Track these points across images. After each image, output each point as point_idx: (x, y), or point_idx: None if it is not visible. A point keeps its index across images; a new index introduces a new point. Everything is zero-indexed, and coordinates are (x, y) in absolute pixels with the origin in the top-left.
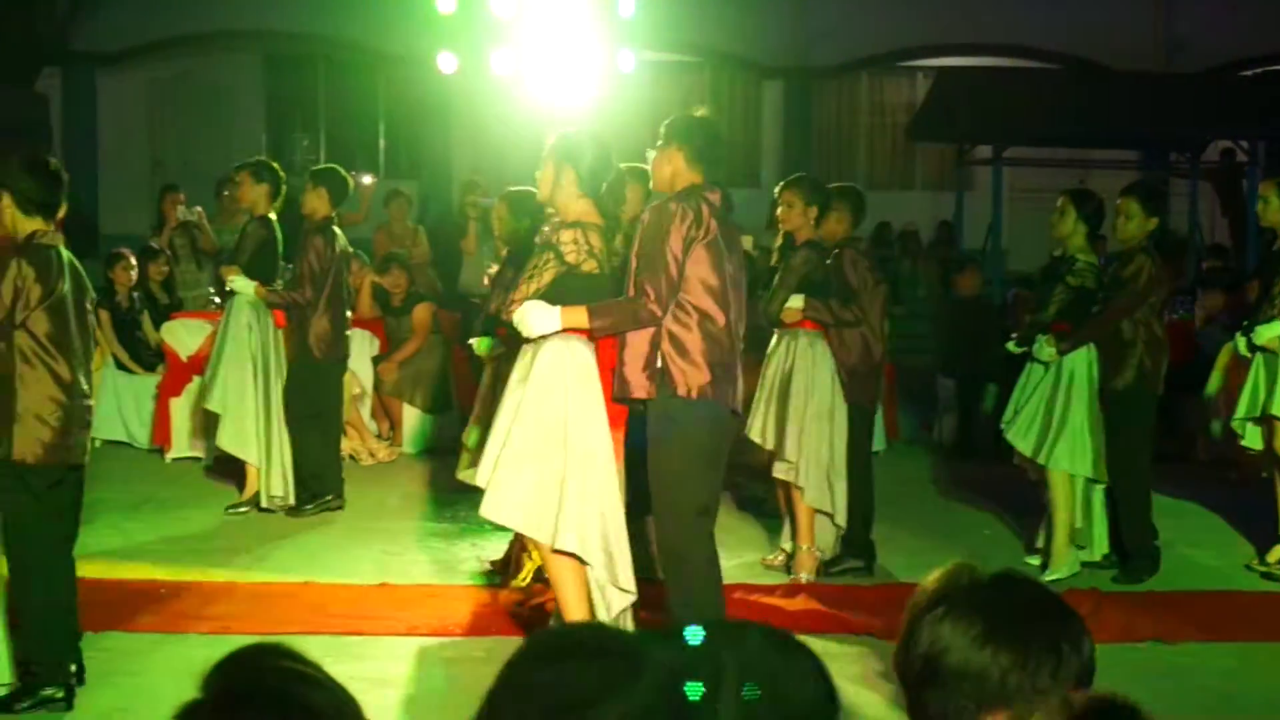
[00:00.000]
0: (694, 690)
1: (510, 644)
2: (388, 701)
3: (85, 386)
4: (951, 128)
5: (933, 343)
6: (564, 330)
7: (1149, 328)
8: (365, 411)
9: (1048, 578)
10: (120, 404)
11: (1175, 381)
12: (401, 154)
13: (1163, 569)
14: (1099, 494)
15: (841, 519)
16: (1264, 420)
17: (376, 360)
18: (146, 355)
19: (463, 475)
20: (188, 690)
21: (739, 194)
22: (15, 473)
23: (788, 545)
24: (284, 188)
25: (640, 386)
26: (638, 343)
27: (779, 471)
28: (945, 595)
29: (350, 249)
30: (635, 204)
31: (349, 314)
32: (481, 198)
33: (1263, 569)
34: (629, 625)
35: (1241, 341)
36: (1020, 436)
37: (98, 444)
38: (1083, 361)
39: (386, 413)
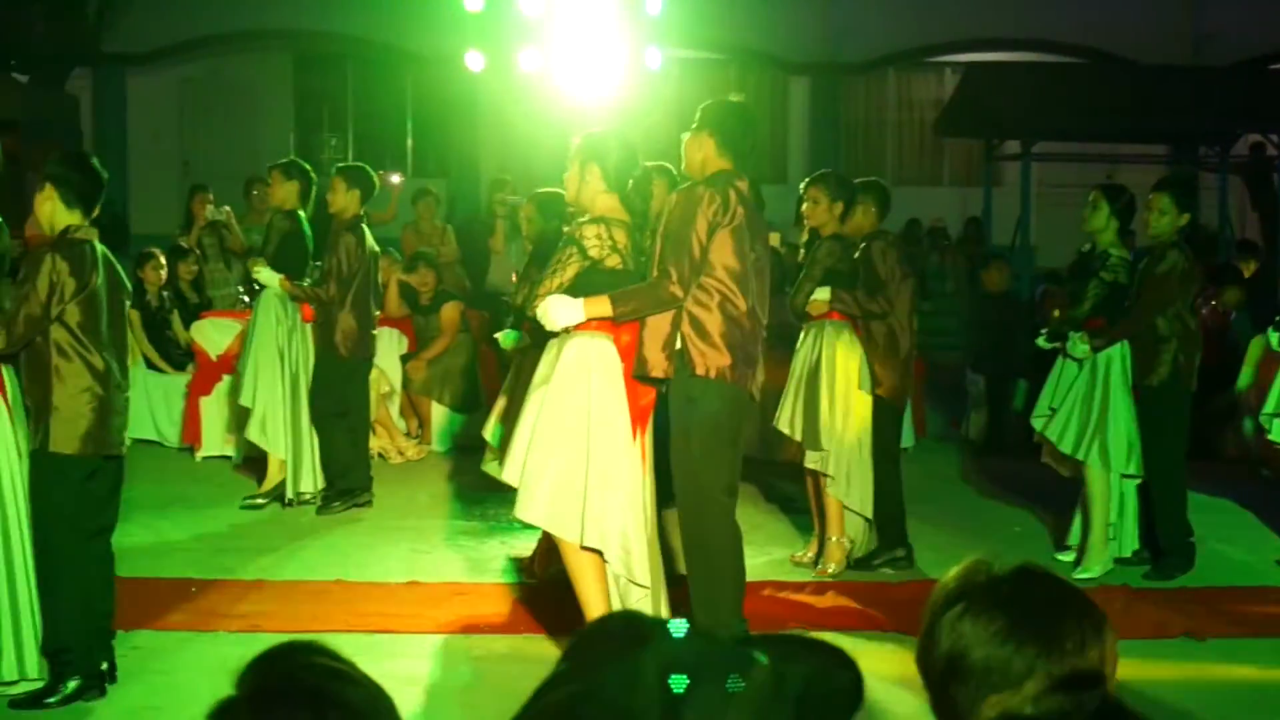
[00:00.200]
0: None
1: (539, 642)
2: (417, 699)
3: (120, 378)
4: (979, 123)
5: (961, 339)
6: (588, 325)
7: (1183, 323)
8: (394, 409)
9: (1081, 575)
10: (150, 403)
11: (1200, 376)
12: (429, 153)
13: (1195, 565)
14: (1131, 489)
15: (866, 510)
16: None
17: (405, 358)
18: (176, 354)
19: (487, 468)
20: (219, 688)
21: (766, 190)
22: (52, 463)
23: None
24: (314, 188)
25: (659, 365)
26: (658, 322)
27: (811, 461)
28: (964, 592)
29: (378, 249)
30: (660, 201)
31: (376, 313)
32: (509, 196)
33: None
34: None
35: (1274, 336)
36: (1060, 435)
37: (128, 443)
38: (1117, 358)
39: (415, 411)
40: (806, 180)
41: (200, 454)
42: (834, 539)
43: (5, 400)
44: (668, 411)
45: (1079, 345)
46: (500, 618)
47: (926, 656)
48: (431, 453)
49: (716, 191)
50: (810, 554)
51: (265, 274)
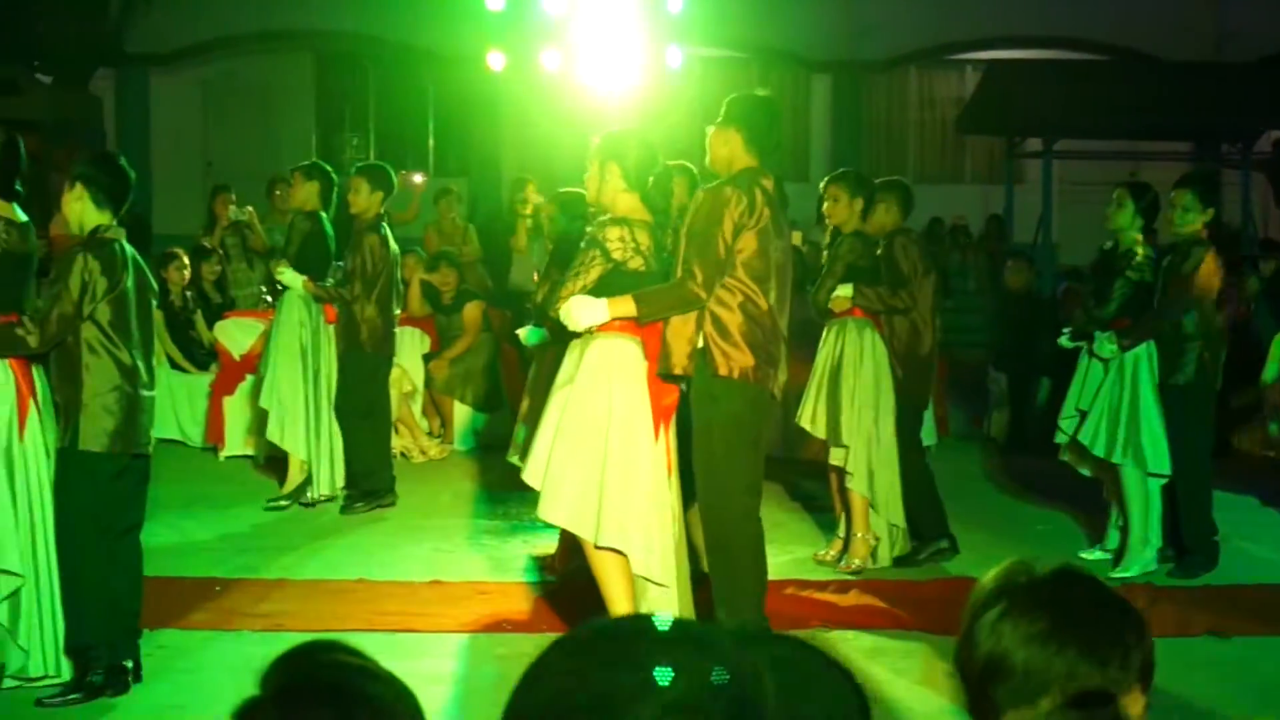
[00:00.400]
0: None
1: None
2: (439, 698)
3: (148, 376)
4: (1001, 121)
5: (983, 337)
6: (612, 326)
7: (1208, 320)
8: (416, 409)
9: (1117, 574)
10: (174, 403)
11: (1224, 372)
12: (451, 152)
13: (1219, 563)
14: (1156, 487)
15: (890, 509)
16: None
17: (427, 358)
18: (199, 354)
19: (513, 459)
20: (243, 686)
21: (788, 188)
22: (81, 461)
23: (844, 534)
24: (336, 189)
25: (680, 363)
26: (681, 321)
27: (835, 458)
28: (1004, 593)
29: (397, 248)
30: (681, 199)
31: (398, 312)
32: (531, 195)
33: None
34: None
35: None
36: (1091, 438)
37: (153, 442)
38: (1144, 357)
39: (437, 410)
40: (826, 179)
41: (223, 453)
42: (859, 535)
43: (35, 399)
44: (690, 410)
45: (1106, 345)
46: (523, 616)
47: (965, 657)
48: (454, 452)
49: (743, 192)
50: (833, 552)
51: (288, 275)
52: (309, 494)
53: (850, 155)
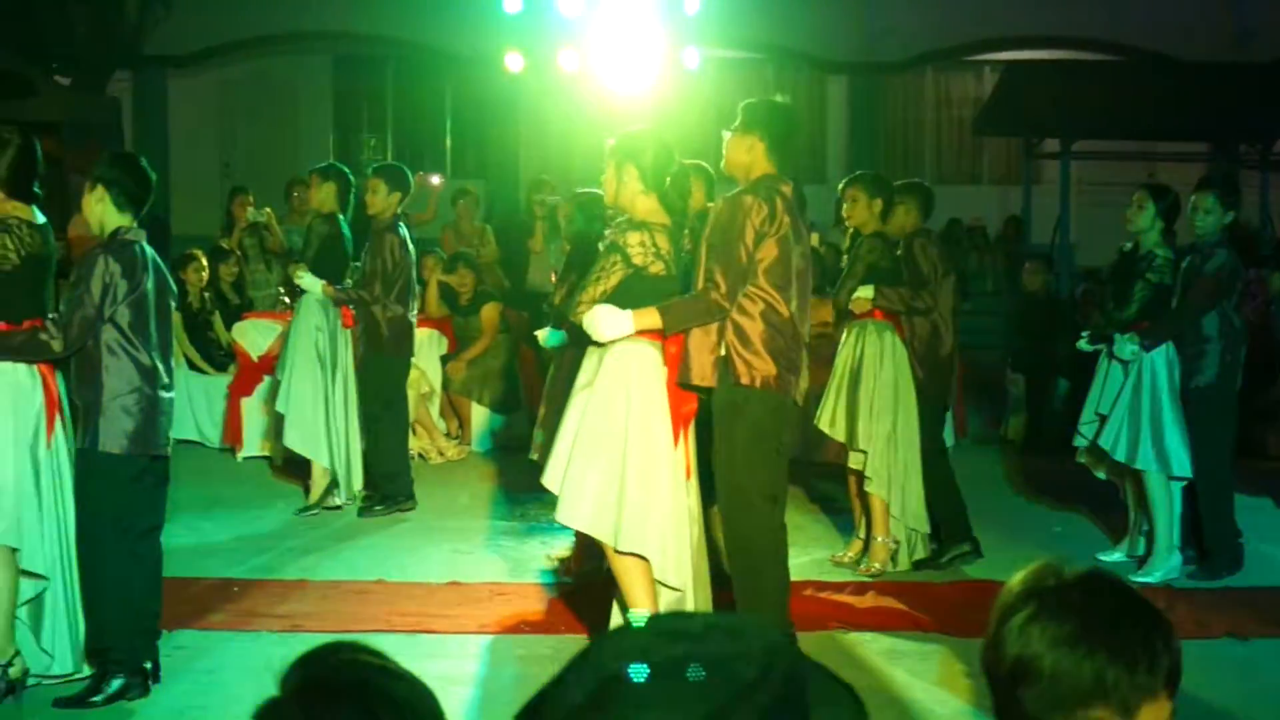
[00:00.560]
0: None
1: (579, 642)
2: (458, 699)
3: (167, 378)
4: (1018, 122)
5: (1000, 338)
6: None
7: (1229, 322)
8: (434, 410)
9: (1138, 579)
10: (192, 404)
11: (1244, 373)
12: (468, 153)
13: (1243, 566)
14: (1176, 490)
15: (910, 514)
16: None
17: (445, 359)
18: (218, 355)
19: (534, 457)
20: (262, 687)
21: (805, 190)
22: (100, 463)
23: (863, 536)
24: (353, 191)
25: (703, 374)
26: (702, 331)
27: (855, 462)
28: (1033, 596)
29: (414, 251)
30: (699, 201)
31: (416, 313)
32: (548, 196)
33: None
34: None
35: None
36: (1113, 443)
37: (171, 443)
38: (1162, 359)
39: (455, 411)
40: (844, 181)
41: (241, 454)
42: (879, 539)
43: (57, 402)
44: (710, 414)
45: (1127, 346)
46: (541, 618)
47: (993, 659)
48: (471, 453)
49: (763, 200)
50: (851, 554)
51: (307, 280)
52: (335, 499)
53: (867, 157)
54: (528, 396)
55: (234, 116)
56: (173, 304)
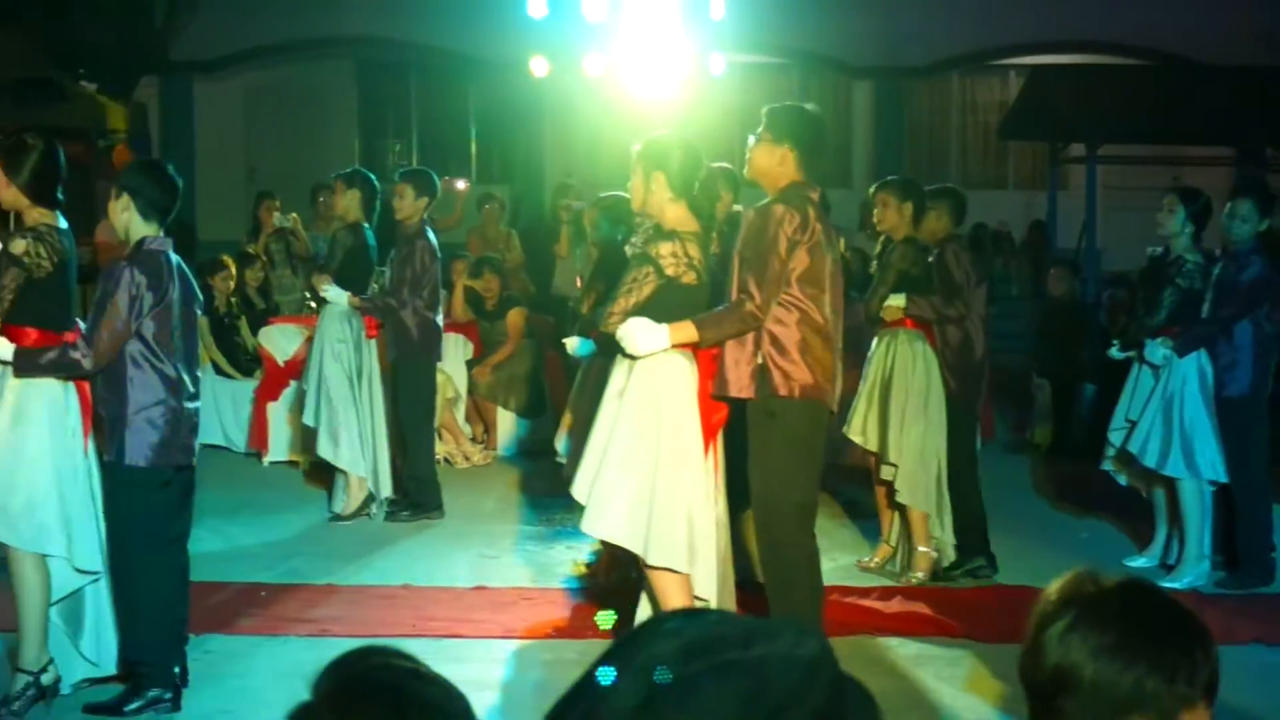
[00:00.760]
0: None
1: (606, 647)
2: (485, 703)
3: (192, 388)
4: (1044, 126)
5: (1026, 343)
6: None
7: (1260, 329)
8: (460, 415)
9: (1168, 584)
10: (218, 408)
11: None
12: (493, 158)
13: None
14: (1209, 496)
15: (940, 524)
16: None
17: (470, 364)
18: (244, 360)
19: (563, 462)
20: (290, 692)
21: (830, 194)
22: (126, 475)
23: (892, 542)
24: (378, 198)
25: (739, 385)
26: (737, 343)
27: (886, 474)
28: (1072, 604)
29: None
30: (726, 206)
31: (443, 318)
32: (574, 201)
33: None
34: None
35: None
36: (1142, 449)
37: (198, 447)
38: (1193, 365)
39: (481, 416)
40: (875, 186)
41: (267, 459)
42: (921, 549)
43: (91, 410)
44: (741, 421)
45: (1158, 350)
46: (567, 622)
47: (1032, 667)
48: (497, 458)
49: (794, 209)
50: (878, 559)
51: (333, 292)
52: (370, 510)
53: (892, 161)
54: (553, 401)
55: (259, 122)
56: (198, 312)
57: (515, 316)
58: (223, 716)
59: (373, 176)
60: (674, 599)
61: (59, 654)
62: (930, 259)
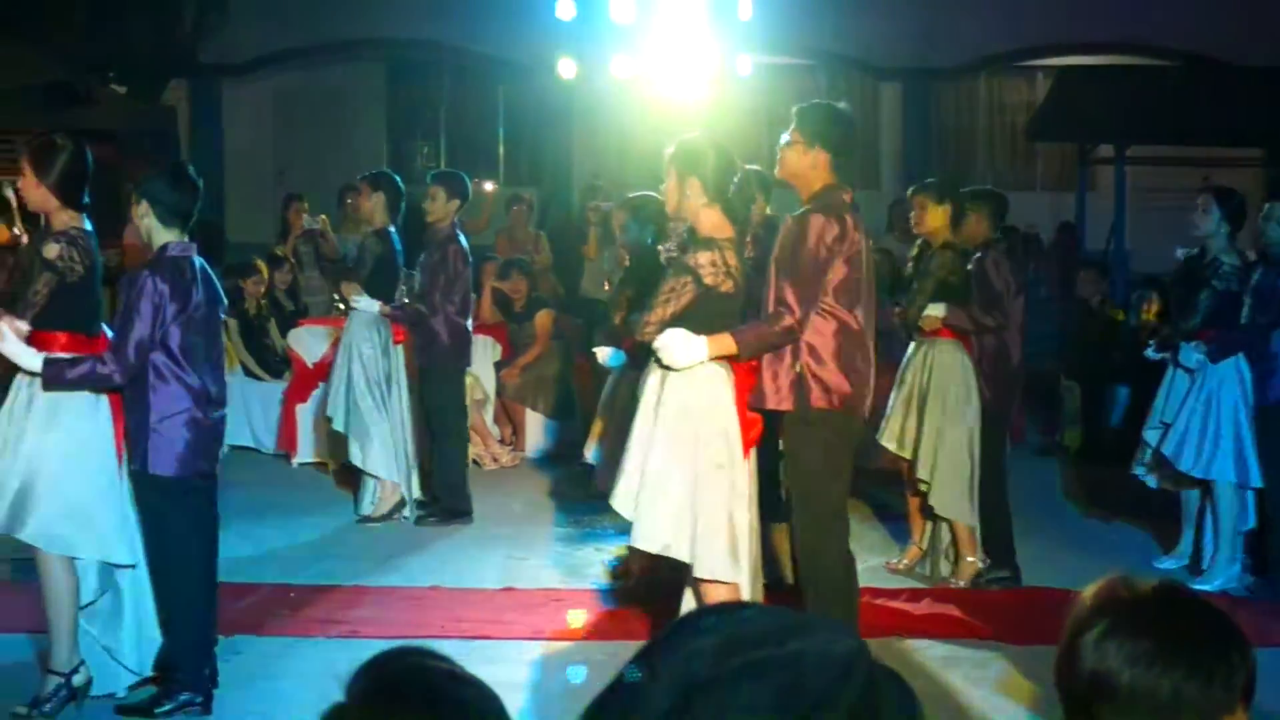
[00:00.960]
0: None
1: (636, 648)
2: (514, 705)
3: (217, 395)
4: (1073, 127)
5: (1055, 345)
6: None
7: None
8: (488, 416)
9: (1199, 586)
10: (247, 410)
11: None
12: (521, 160)
13: None
14: (1246, 500)
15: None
16: None
17: (499, 366)
18: (273, 361)
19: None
20: (321, 693)
21: (858, 197)
22: (151, 484)
23: (923, 545)
24: (404, 201)
25: (777, 398)
26: (773, 356)
27: (924, 486)
28: (1107, 610)
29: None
30: (760, 211)
31: (473, 321)
32: (602, 202)
33: None
34: None
35: None
36: (1176, 453)
37: (225, 449)
38: (1231, 369)
39: (509, 418)
40: (912, 188)
41: (296, 460)
42: (969, 559)
43: (117, 416)
44: (769, 428)
45: (1192, 355)
46: (596, 624)
47: (1067, 675)
48: (525, 459)
49: (833, 218)
50: (907, 561)
51: (364, 302)
52: (402, 513)
53: (920, 163)
54: (582, 403)
55: (288, 124)
56: (223, 314)
57: (543, 318)
58: (253, 718)
59: (397, 178)
60: (717, 594)
61: (100, 668)
62: (969, 265)
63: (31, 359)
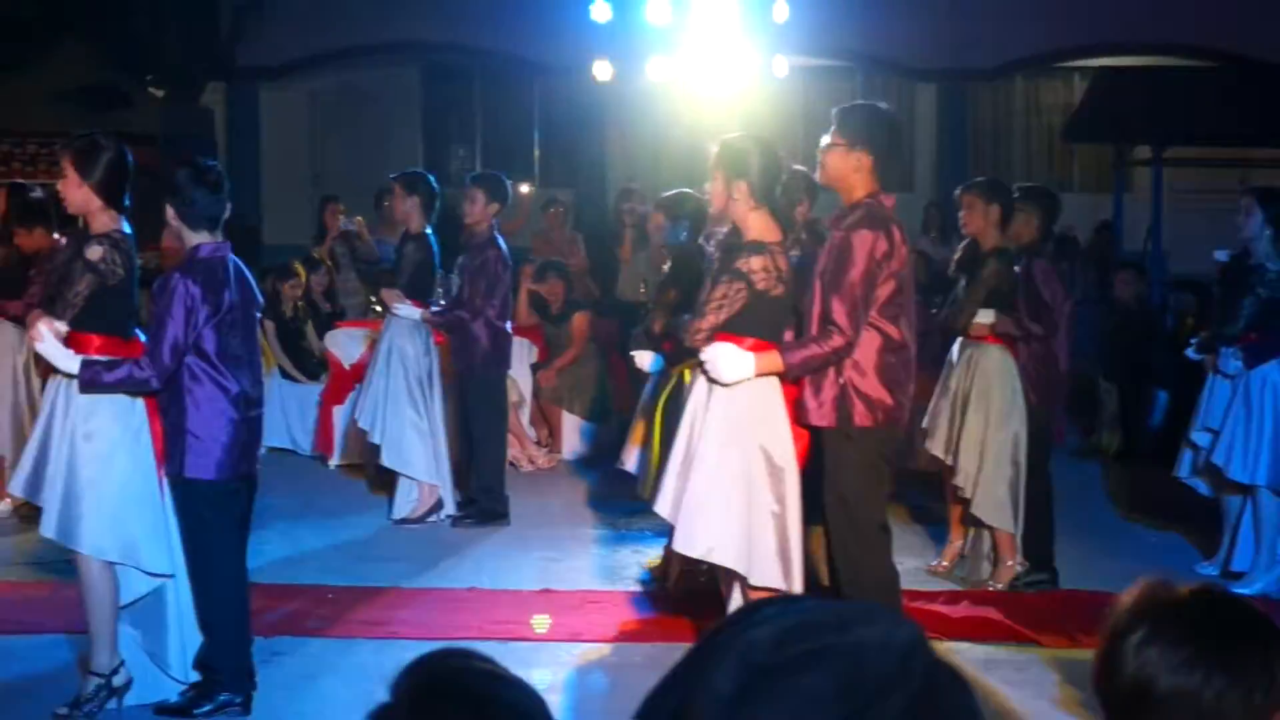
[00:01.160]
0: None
1: (675, 651)
2: (551, 706)
3: (253, 395)
4: (1109, 128)
5: (1092, 347)
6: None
7: None
8: (524, 418)
9: (1241, 589)
10: (284, 412)
11: None
12: (556, 162)
13: None
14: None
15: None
16: None
17: (535, 368)
18: (310, 364)
19: (631, 467)
20: (358, 694)
21: None
22: (188, 488)
23: (959, 546)
24: (438, 201)
25: (820, 414)
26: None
27: (967, 493)
28: (1148, 615)
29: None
30: (805, 214)
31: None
32: (637, 205)
33: None
34: None
35: None
36: (1226, 460)
37: (263, 451)
38: (1274, 375)
39: (545, 420)
40: (961, 187)
41: (332, 462)
42: (1009, 563)
43: (154, 419)
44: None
45: (1232, 361)
46: (635, 626)
47: (1107, 680)
48: (562, 461)
49: (880, 233)
50: (946, 562)
51: (405, 309)
52: (440, 515)
53: (956, 165)
54: (618, 405)
55: (325, 127)
56: (258, 314)
57: (580, 320)
58: (291, 718)
59: (432, 178)
60: None
61: (144, 677)
62: (1017, 268)
63: (69, 360)
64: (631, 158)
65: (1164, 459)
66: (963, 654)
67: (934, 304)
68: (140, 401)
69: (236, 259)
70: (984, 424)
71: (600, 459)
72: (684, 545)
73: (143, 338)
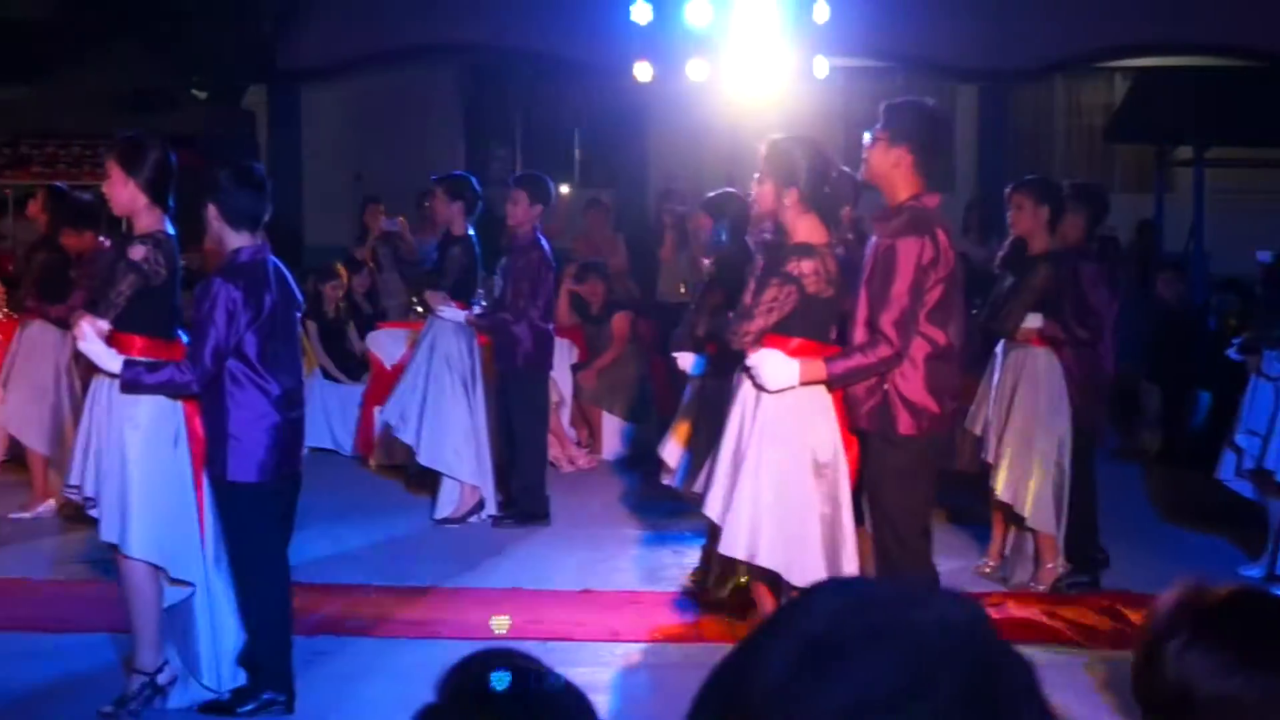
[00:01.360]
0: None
1: (716, 651)
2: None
3: (295, 396)
4: (1151, 128)
5: (1133, 348)
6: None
7: None
8: (565, 419)
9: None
10: (326, 412)
11: None
12: (597, 163)
13: None
14: None
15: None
16: None
17: (576, 368)
18: (352, 365)
19: (670, 463)
20: (400, 693)
21: None
22: (231, 490)
23: (1002, 547)
24: (479, 203)
25: (864, 417)
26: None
27: (1006, 495)
28: (1185, 619)
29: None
30: (848, 213)
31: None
32: (677, 205)
33: None
34: None
35: None
36: (1275, 465)
37: (305, 452)
38: None
39: (586, 420)
40: (1011, 186)
41: (374, 462)
42: (1049, 565)
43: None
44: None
45: (1275, 364)
46: (675, 626)
47: (1147, 684)
48: (602, 462)
49: (927, 238)
50: (993, 563)
51: (449, 312)
52: (481, 515)
53: (997, 165)
54: (659, 406)
55: (366, 128)
56: (299, 314)
57: (620, 321)
58: (334, 717)
59: (473, 180)
60: None
61: (185, 680)
62: (1062, 270)
63: (111, 360)
64: (672, 159)
65: (1205, 460)
66: None
67: (974, 305)
68: (179, 404)
69: (276, 260)
70: (1028, 426)
71: (640, 460)
72: (730, 546)
73: (185, 339)
